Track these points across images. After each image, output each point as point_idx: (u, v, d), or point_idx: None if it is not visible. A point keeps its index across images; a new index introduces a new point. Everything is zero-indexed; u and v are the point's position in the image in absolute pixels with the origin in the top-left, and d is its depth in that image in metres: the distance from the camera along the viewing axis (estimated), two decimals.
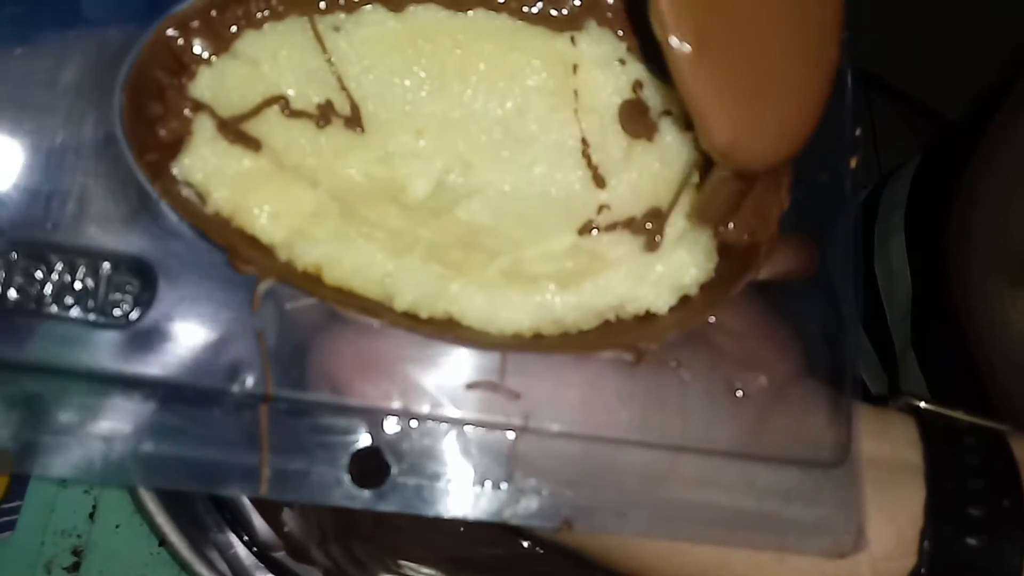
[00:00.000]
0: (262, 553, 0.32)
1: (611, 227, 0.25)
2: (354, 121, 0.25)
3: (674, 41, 0.19)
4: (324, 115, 0.25)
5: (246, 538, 0.32)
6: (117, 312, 0.20)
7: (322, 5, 0.25)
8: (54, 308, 0.20)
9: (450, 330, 0.22)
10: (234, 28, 0.24)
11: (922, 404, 0.26)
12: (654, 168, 0.26)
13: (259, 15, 0.24)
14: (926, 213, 0.54)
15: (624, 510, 0.22)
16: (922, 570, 0.23)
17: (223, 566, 0.36)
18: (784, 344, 0.24)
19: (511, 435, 0.21)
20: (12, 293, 0.20)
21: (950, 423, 0.26)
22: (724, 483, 0.22)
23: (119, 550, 0.40)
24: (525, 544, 0.40)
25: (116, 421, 0.20)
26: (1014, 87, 0.44)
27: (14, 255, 0.20)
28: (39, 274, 0.20)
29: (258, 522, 0.34)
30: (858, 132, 0.25)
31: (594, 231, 0.25)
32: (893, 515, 0.23)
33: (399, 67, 0.25)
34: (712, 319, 0.23)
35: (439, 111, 0.26)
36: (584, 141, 0.26)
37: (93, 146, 0.22)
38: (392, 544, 0.39)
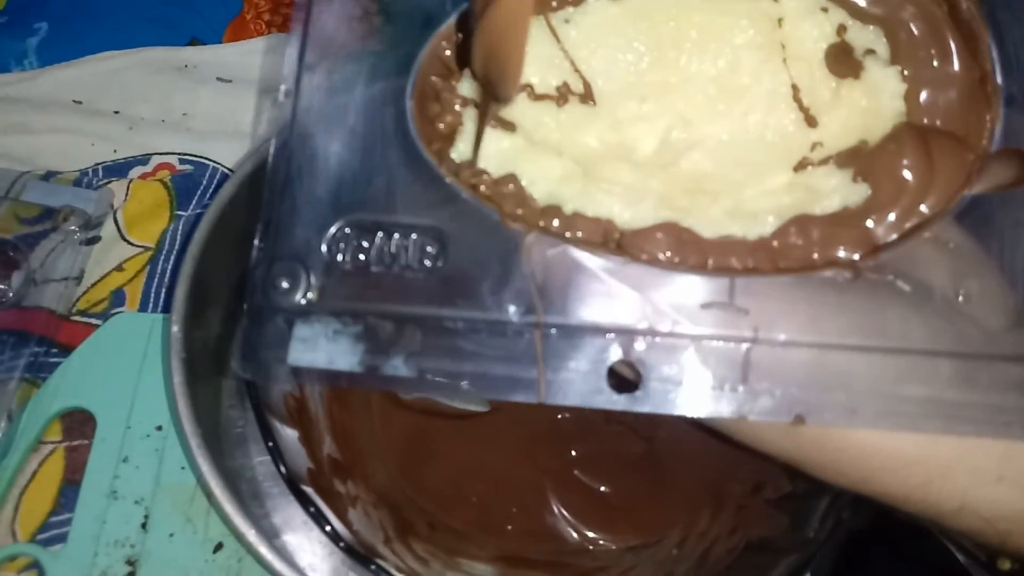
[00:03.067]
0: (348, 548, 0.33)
1: (824, 161, 0.28)
2: (587, 96, 0.29)
3: None
4: (562, 95, 0.29)
5: (328, 529, 0.33)
6: (426, 264, 0.26)
7: (554, 3, 0.29)
8: (378, 268, 0.26)
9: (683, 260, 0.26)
10: None
11: None
12: (862, 103, 0.28)
13: None
14: None
15: (853, 406, 0.24)
16: None
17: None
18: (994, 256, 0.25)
19: (744, 346, 0.24)
20: (346, 258, 0.27)
21: None
22: (945, 379, 0.24)
23: (174, 558, 0.41)
24: (574, 537, 0.42)
25: (427, 346, 0.25)
26: None
27: (347, 230, 0.27)
28: (365, 243, 0.27)
29: (334, 521, 0.35)
30: None
31: (808, 167, 0.28)
32: None
33: (621, 45, 0.30)
34: (927, 235, 0.25)
35: (659, 78, 0.30)
36: (794, 87, 0.29)
37: (396, 143, 0.28)
38: (448, 545, 0.40)
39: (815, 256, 0.26)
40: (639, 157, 0.29)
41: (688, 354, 0.24)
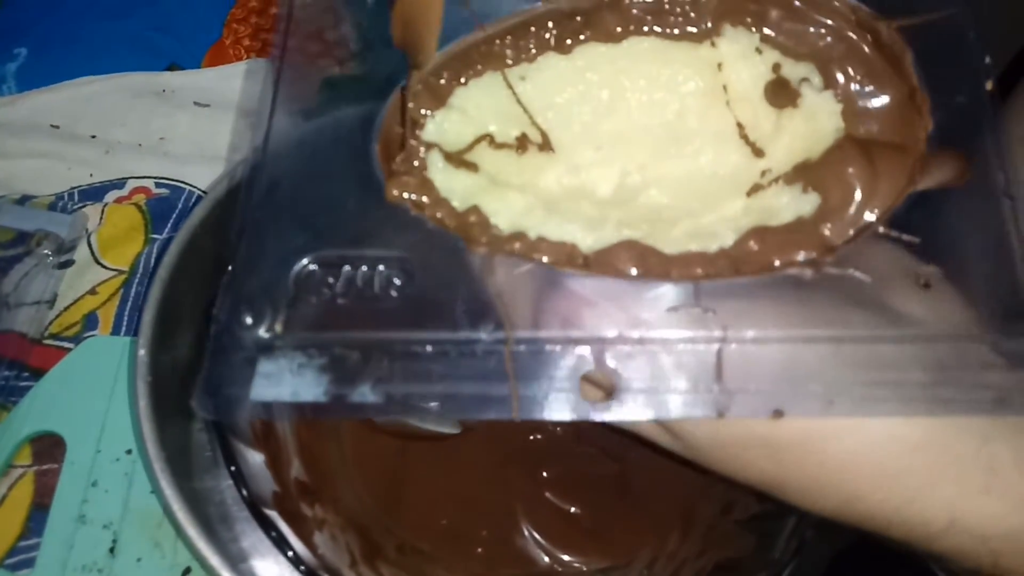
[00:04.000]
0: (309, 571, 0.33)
1: (774, 182, 0.29)
2: (545, 146, 0.31)
3: None
4: (522, 144, 0.30)
5: (291, 554, 0.33)
6: (392, 293, 0.26)
7: (509, 61, 0.31)
8: (345, 299, 0.26)
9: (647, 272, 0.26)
10: (447, 87, 0.31)
11: None
12: (802, 128, 0.29)
13: (464, 76, 0.31)
14: None
15: (829, 397, 0.24)
16: None
17: None
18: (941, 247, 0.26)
19: (714, 346, 0.24)
20: (312, 292, 0.26)
21: None
22: (917, 363, 0.24)
23: None
24: (544, 560, 0.42)
25: (395, 372, 0.25)
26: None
27: (313, 265, 0.27)
28: (331, 277, 0.27)
29: (297, 545, 0.35)
30: (987, 60, 0.28)
31: (760, 191, 0.29)
32: None
33: (574, 98, 0.31)
34: (880, 229, 0.26)
35: (611, 127, 0.31)
36: (739, 125, 0.30)
37: (360, 179, 0.29)
38: (417, 568, 0.40)
39: (775, 261, 0.26)
40: (598, 198, 0.30)
41: (660, 359, 0.24)
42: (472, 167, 0.29)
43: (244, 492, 0.34)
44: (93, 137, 0.59)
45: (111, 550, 0.41)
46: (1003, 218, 0.26)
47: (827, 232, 0.26)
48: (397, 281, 0.26)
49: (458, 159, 0.29)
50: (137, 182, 0.56)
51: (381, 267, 0.26)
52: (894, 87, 0.29)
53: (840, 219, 0.27)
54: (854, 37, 0.29)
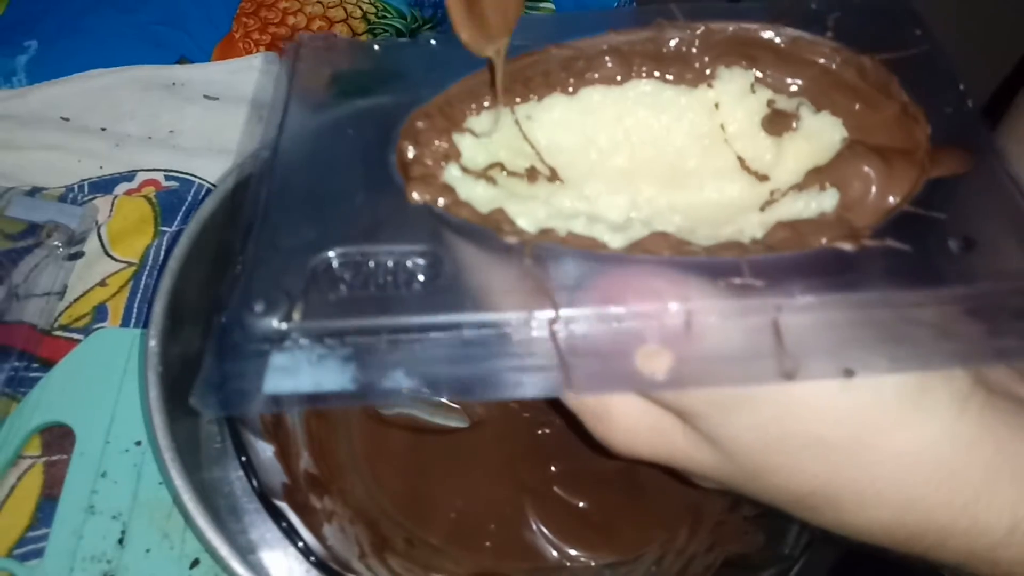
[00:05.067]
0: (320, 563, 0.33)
1: (785, 194, 0.29)
2: (554, 178, 0.31)
3: None
4: (531, 175, 0.31)
5: (300, 545, 0.33)
6: (419, 282, 0.25)
7: (517, 99, 0.32)
8: (367, 290, 0.25)
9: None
10: (462, 114, 0.31)
11: None
12: (806, 147, 0.30)
13: (475, 107, 0.31)
14: None
15: (894, 354, 0.23)
16: None
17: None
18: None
19: (771, 315, 0.24)
20: (333, 282, 0.25)
21: None
22: (976, 316, 0.24)
23: (150, 574, 0.41)
24: (552, 554, 0.42)
25: (428, 357, 0.24)
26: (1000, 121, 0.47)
27: (333, 257, 0.26)
28: (353, 270, 0.26)
29: (306, 536, 0.35)
30: (961, 87, 0.29)
31: (773, 204, 0.29)
32: None
33: (579, 138, 0.32)
34: (907, 208, 0.27)
35: (616, 165, 0.31)
36: (739, 159, 0.31)
37: (383, 171, 0.29)
38: (425, 561, 0.40)
39: (810, 243, 0.26)
40: (612, 222, 0.29)
41: (715, 330, 0.24)
42: (490, 180, 0.30)
43: (254, 483, 0.34)
44: (103, 130, 0.59)
45: (120, 541, 0.41)
46: (1010, 192, 0.27)
47: (854, 219, 0.27)
48: (424, 271, 0.25)
49: (475, 173, 0.30)
50: (147, 174, 0.56)
51: (405, 259, 0.26)
52: (888, 104, 0.30)
53: (864, 207, 0.27)
54: (841, 71, 0.31)
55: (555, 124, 0.32)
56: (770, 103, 0.31)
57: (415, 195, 0.27)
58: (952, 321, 0.24)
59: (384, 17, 0.70)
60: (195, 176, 0.56)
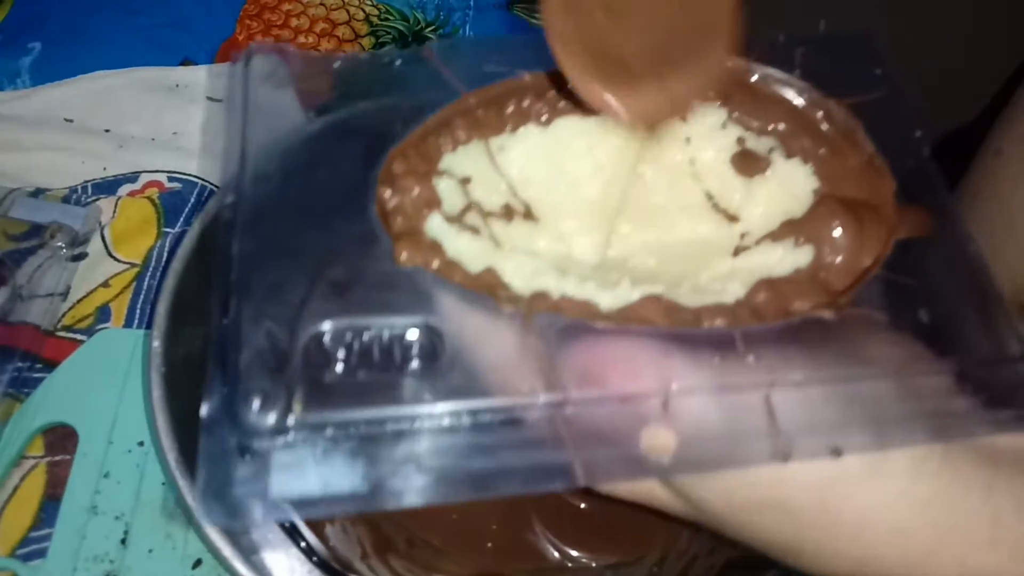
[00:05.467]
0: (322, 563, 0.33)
1: (760, 241, 0.29)
2: (529, 215, 0.30)
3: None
4: (508, 213, 0.30)
5: (303, 545, 0.33)
6: (421, 361, 0.24)
7: (491, 131, 0.31)
8: (367, 372, 0.24)
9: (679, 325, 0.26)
10: (437, 152, 0.30)
11: None
12: (776, 192, 0.30)
13: (450, 143, 0.31)
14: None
15: (879, 431, 0.24)
16: None
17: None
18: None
19: (763, 392, 0.24)
20: (329, 365, 0.24)
21: None
22: (942, 392, 0.25)
23: (153, 574, 0.41)
24: (554, 555, 0.42)
25: (438, 449, 0.23)
26: (987, 135, 0.47)
27: (326, 334, 0.24)
28: (348, 348, 0.24)
29: (309, 536, 0.35)
30: (918, 134, 0.30)
31: (747, 250, 0.29)
32: None
33: (552, 170, 0.32)
34: (878, 273, 0.27)
35: (588, 198, 0.31)
36: (708, 195, 0.31)
37: (370, 236, 0.27)
38: (426, 561, 0.40)
39: (793, 306, 0.27)
40: (588, 265, 0.30)
41: (712, 408, 0.24)
42: (473, 230, 0.29)
43: None
44: (107, 131, 0.59)
45: (123, 541, 0.41)
46: (971, 259, 0.28)
47: (830, 279, 0.27)
48: (422, 347, 0.24)
49: (458, 221, 0.29)
50: (150, 176, 0.56)
51: (403, 332, 0.24)
52: (854, 153, 0.30)
53: (838, 267, 0.28)
54: (809, 113, 0.32)
55: (527, 156, 0.32)
56: (740, 141, 0.32)
57: (404, 258, 0.26)
58: (934, 395, 0.25)
59: (387, 19, 0.71)
60: (198, 177, 0.57)
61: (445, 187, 0.30)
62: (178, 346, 0.40)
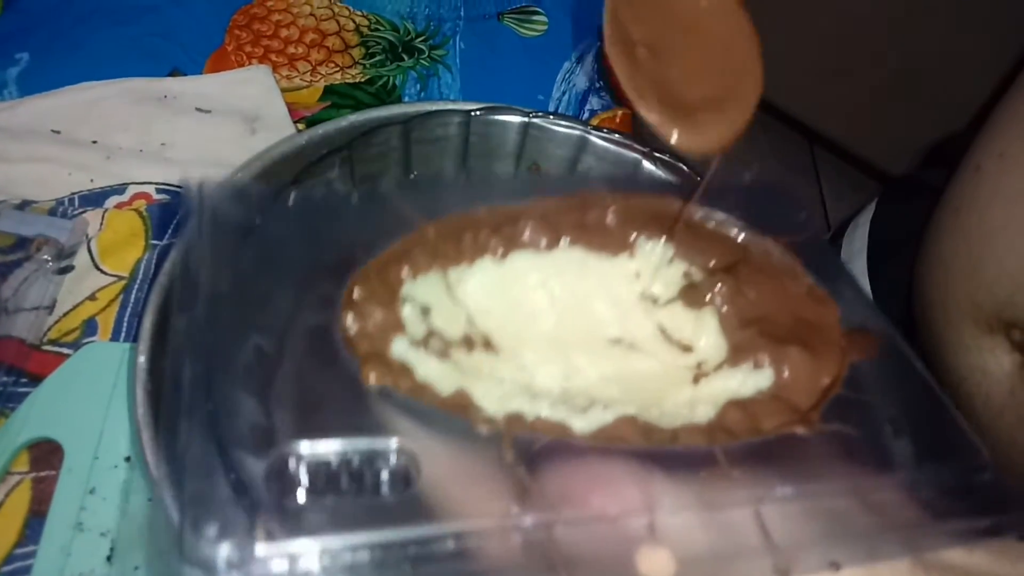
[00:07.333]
0: None
1: (718, 368, 0.30)
2: (489, 346, 0.30)
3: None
4: (468, 344, 0.30)
5: None
6: (395, 485, 0.23)
7: (449, 263, 0.32)
8: (338, 497, 0.23)
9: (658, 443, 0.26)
10: (398, 280, 0.30)
11: None
12: (726, 322, 0.32)
13: (410, 271, 0.31)
14: (887, 262, 0.58)
15: (871, 543, 0.24)
16: None
17: None
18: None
19: (754, 508, 0.24)
20: (295, 491, 0.23)
21: None
22: (906, 503, 0.26)
23: None
24: None
25: (422, 572, 0.22)
26: (968, 149, 0.48)
27: (291, 460, 0.23)
28: (315, 474, 0.23)
29: None
30: (848, 269, 0.33)
31: (706, 378, 0.30)
32: None
33: (508, 304, 0.32)
34: (839, 392, 0.29)
35: (543, 332, 0.32)
36: (660, 328, 0.32)
37: (334, 357, 0.27)
38: None
39: (763, 425, 0.27)
40: (553, 396, 0.29)
41: (701, 526, 0.23)
42: (441, 354, 0.29)
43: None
44: (94, 142, 0.59)
45: (108, 558, 0.41)
46: (922, 377, 0.30)
47: (792, 399, 0.28)
48: (395, 472, 0.23)
49: (424, 346, 0.29)
50: (138, 188, 0.56)
51: (374, 459, 0.23)
52: (795, 284, 0.32)
53: (800, 388, 0.29)
54: (749, 248, 0.34)
55: (484, 289, 0.32)
56: (686, 275, 0.33)
57: (372, 378, 0.26)
58: (901, 508, 0.26)
59: (377, 30, 0.71)
60: None
61: (408, 313, 0.29)
62: (164, 361, 0.40)
